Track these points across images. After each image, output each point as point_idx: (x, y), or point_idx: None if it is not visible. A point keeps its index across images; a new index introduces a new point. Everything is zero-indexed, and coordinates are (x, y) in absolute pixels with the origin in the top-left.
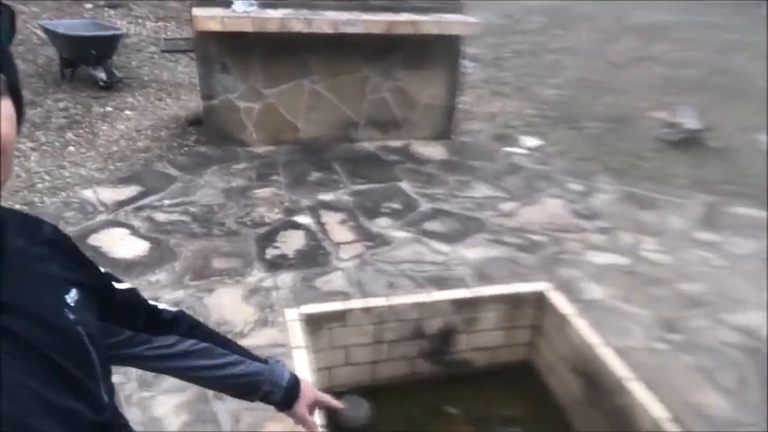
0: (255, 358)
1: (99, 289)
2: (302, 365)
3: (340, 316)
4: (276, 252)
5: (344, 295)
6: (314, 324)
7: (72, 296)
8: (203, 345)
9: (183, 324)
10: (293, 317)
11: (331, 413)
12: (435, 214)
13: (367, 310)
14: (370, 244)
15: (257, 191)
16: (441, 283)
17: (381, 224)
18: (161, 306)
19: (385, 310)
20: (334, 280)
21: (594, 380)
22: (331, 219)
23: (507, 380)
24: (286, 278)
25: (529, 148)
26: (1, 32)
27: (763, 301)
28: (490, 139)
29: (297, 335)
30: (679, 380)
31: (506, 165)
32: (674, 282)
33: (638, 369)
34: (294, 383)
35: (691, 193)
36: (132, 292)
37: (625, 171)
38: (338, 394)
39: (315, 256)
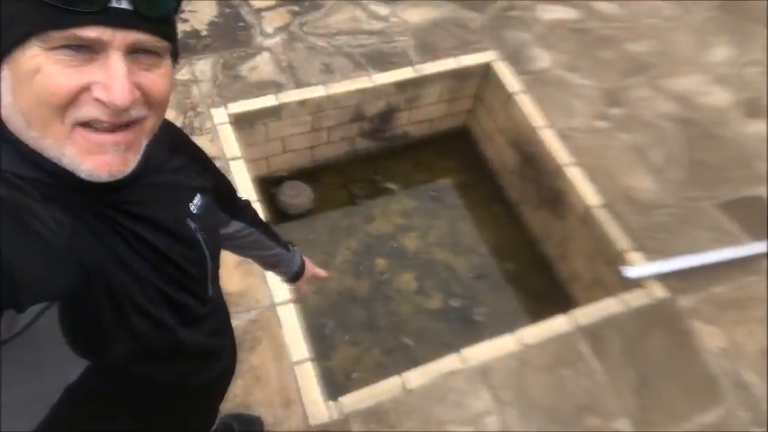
0: (284, 245)
1: (216, 190)
2: (241, 176)
3: (275, 111)
4: (186, 27)
5: (276, 86)
6: (246, 122)
7: (196, 203)
8: (258, 236)
9: (247, 214)
10: (222, 119)
11: (274, 198)
12: None
13: (303, 102)
14: (297, 9)
15: None
16: (381, 60)
17: None
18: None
19: (323, 99)
20: (262, 65)
21: (532, 158)
22: None
23: (445, 148)
24: (205, 67)
25: None
26: (170, 3)
27: (703, 61)
28: None
29: (230, 143)
30: (615, 162)
31: None
32: (621, 41)
33: (577, 153)
34: (301, 269)
35: None
36: (230, 184)
37: None
38: (278, 180)
39: (234, 32)
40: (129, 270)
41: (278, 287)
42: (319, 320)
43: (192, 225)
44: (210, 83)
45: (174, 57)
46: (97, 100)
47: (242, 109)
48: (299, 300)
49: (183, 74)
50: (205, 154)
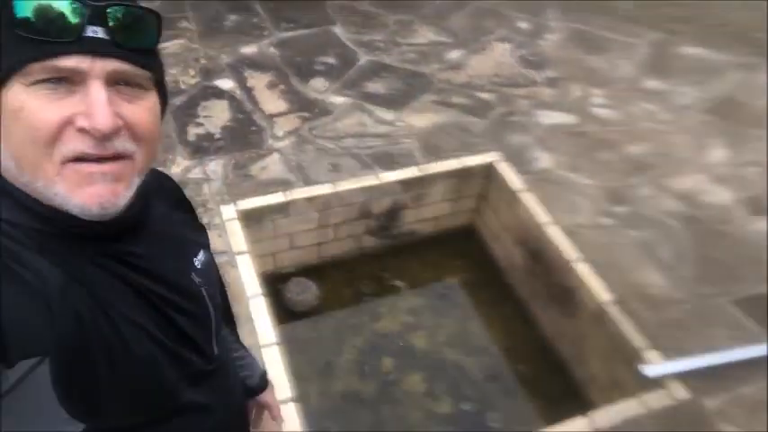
0: (243, 346)
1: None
2: (247, 271)
3: (282, 207)
4: (200, 131)
5: (285, 184)
6: (254, 218)
7: (200, 258)
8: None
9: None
10: (231, 215)
11: (280, 295)
12: (376, 70)
13: (311, 199)
14: (306, 115)
15: (165, 44)
16: (387, 160)
17: (317, 86)
18: None
19: (331, 197)
20: (272, 165)
21: (540, 255)
22: (258, 81)
23: (451, 246)
24: (216, 167)
25: None
26: (151, 35)
27: (702, 162)
28: None
29: (238, 237)
30: (623, 258)
31: None
32: (620, 143)
33: (584, 248)
34: (263, 383)
35: (639, 29)
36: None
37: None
38: (285, 276)
39: (246, 135)
40: (129, 324)
41: (277, 382)
42: (322, 424)
43: (197, 279)
44: (221, 181)
45: (161, 92)
46: (81, 130)
47: (250, 205)
48: (298, 400)
49: (195, 173)
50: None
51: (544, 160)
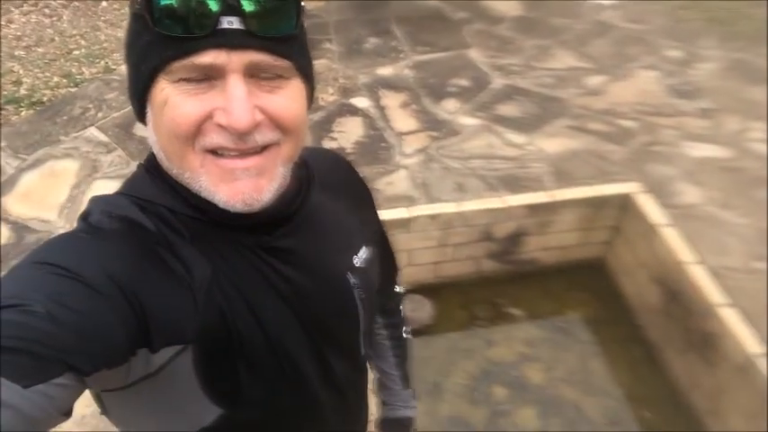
0: (405, 377)
1: (379, 244)
2: None
3: (404, 223)
4: (334, 145)
5: (409, 200)
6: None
7: (360, 256)
8: (383, 342)
9: (394, 314)
10: None
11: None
12: (509, 93)
13: (434, 217)
14: (435, 134)
15: None
16: (514, 183)
17: (448, 107)
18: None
19: (453, 216)
20: (398, 181)
21: (679, 296)
22: (392, 101)
23: (577, 279)
24: None
25: None
26: (289, 21)
27: None
28: None
29: None
30: None
31: (593, 23)
32: None
33: (732, 293)
34: (406, 423)
35: None
36: (395, 258)
37: (731, 23)
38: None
39: (376, 151)
40: (271, 318)
41: None
42: None
43: (352, 280)
44: None
45: (307, 79)
46: (219, 126)
47: None
48: None
49: None
50: (374, 201)
51: (691, 195)
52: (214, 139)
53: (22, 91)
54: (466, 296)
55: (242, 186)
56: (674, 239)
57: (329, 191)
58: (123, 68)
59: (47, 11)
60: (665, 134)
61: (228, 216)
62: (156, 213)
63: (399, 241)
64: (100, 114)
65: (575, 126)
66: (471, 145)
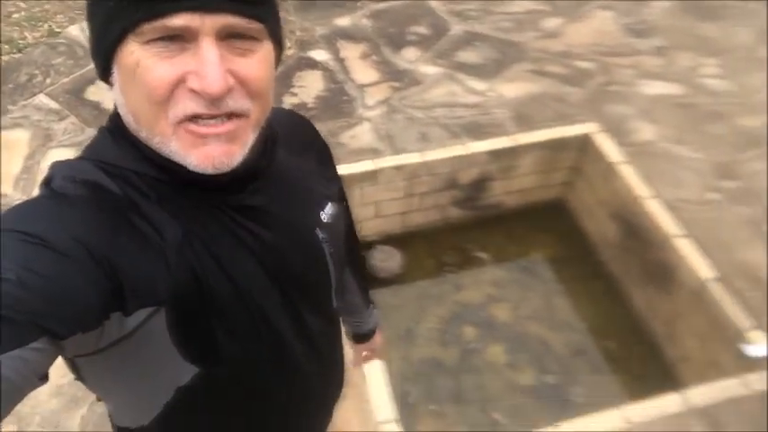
0: (367, 300)
1: (343, 200)
2: None
3: (371, 175)
4: (294, 101)
5: (374, 152)
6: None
7: (326, 212)
8: (350, 278)
9: (355, 258)
10: None
11: (365, 264)
12: (468, 39)
13: (399, 167)
14: (397, 85)
15: None
16: (477, 130)
17: (408, 56)
18: None
19: (418, 166)
20: (362, 134)
21: (637, 230)
22: (351, 52)
23: (539, 220)
24: None
25: None
26: None
27: None
28: None
29: None
30: (729, 235)
31: None
32: (732, 116)
33: (687, 224)
34: (370, 333)
35: None
36: (350, 213)
37: None
38: (369, 244)
39: (338, 104)
40: (242, 275)
41: None
42: (403, 387)
43: (320, 235)
44: None
45: (277, 42)
46: (192, 90)
47: (340, 173)
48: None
49: None
50: (333, 159)
51: (647, 132)
52: (188, 105)
53: None
54: (434, 244)
55: (212, 150)
56: (631, 176)
57: (293, 150)
58: (69, 31)
59: None
60: (622, 74)
61: (196, 177)
62: (121, 176)
63: (366, 194)
64: (48, 80)
65: (533, 70)
66: (433, 94)
